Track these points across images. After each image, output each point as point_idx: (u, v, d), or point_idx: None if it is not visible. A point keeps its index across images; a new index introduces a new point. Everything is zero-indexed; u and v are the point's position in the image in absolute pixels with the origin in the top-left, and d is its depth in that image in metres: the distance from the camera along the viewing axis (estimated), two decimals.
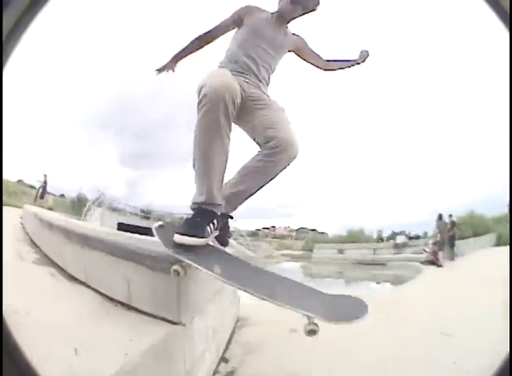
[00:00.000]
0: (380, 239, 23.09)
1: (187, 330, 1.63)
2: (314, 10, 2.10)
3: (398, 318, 4.14)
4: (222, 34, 2.15)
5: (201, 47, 2.15)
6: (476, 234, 16.91)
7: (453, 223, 13.56)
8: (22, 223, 4.95)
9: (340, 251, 19.31)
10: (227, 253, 1.77)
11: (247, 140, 1.99)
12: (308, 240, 26.21)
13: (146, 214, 22.44)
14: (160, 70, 2.20)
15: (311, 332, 1.29)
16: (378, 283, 11.03)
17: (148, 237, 2.14)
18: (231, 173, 1.91)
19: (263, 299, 1.34)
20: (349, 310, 1.41)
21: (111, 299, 1.76)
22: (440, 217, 13.17)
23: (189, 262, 1.38)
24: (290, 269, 15.64)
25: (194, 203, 1.67)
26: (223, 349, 2.78)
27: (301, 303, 1.36)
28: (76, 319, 1.36)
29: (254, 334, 3.42)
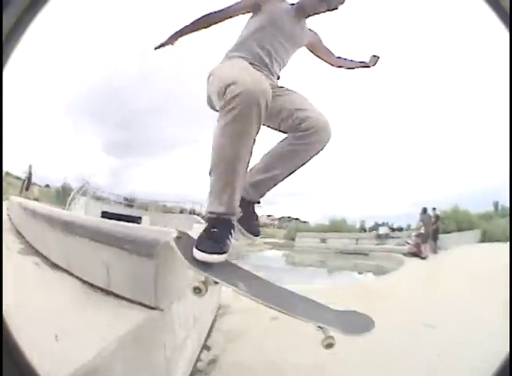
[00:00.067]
0: (363, 229, 23.55)
1: (166, 316, 1.62)
2: (336, 9, 2.00)
3: (380, 308, 4.23)
4: (234, 15, 2.01)
5: (208, 26, 2.00)
6: (460, 229, 17.43)
7: (437, 217, 13.92)
8: (8, 215, 4.96)
9: (323, 240, 19.65)
10: (241, 267, 1.70)
11: None
12: (291, 228, 26.63)
13: (130, 202, 22.62)
14: (159, 47, 2.05)
15: (329, 345, 1.37)
16: (360, 273, 11.25)
17: (130, 224, 2.12)
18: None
19: (284, 313, 1.40)
20: (359, 324, 1.54)
21: (92, 285, 1.74)
22: (425, 210, 13.49)
23: (214, 278, 1.37)
24: (273, 258, 15.81)
25: (212, 212, 1.49)
26: (205, 337, 2.79)
27: (319, 317, 1.46)
28: (57, 306, 1.33)
29: (235, 321, 3.47)
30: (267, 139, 1.84)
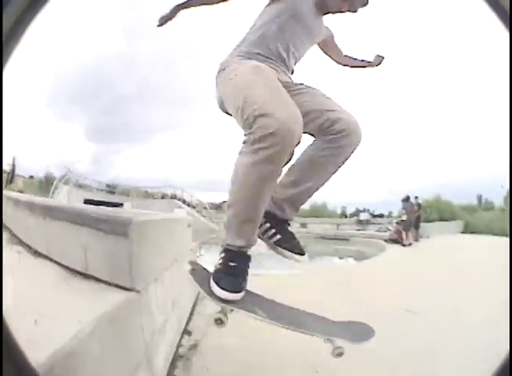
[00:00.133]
0: (344, 215, 23.96)
1: (142, 298, 1.61)
2: (355, 11, 1.87)
3: (361, 293, 4.32)
4: None
5: (214, 3, 1.81)
6: (442, 219, 17.94)
7: (419, 205, 14.22)
8: None
9: (303, 225, 19.86)
10: (253, 292, 1.65)
11: None
12: None
13: (112, 188, 22.70)
14: (161, 23, 1.83)
15: (339, 354, 1.47)
16: (341, 258, 11.43)
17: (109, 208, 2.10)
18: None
19: (302, 333, 1.49)
20: (361, 332, 1.64)
21: (71, 270, 1.72)
22: (407, 198, 13.73)
23: (234, 308, 1.40)
24: None
25: (230, 245, 1.45)
26: (185, 322, 2.80)
27: (328, 331, 1.56)
28: (37, 292, 1.31)
29: (216, 305, 3.42)
30: None
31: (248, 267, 1.47)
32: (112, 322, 1.27)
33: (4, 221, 3.67)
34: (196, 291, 3.73)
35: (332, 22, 1.98)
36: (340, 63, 2.17)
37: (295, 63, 1.87)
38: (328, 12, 1.89)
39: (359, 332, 1.65)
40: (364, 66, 2.18)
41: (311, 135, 1.67)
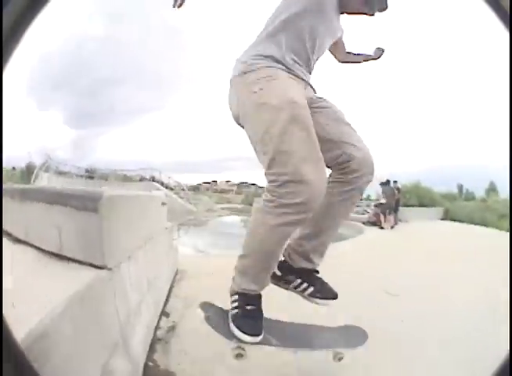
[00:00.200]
0: None
1: (115, 276, 1.59)
2: (372, 15, 1.77)
3: (339, 274, 4.39)
4: None
5: None
6: (421, 204, 18.34)
7: (398, 189, 14.48)
8: None
9: None
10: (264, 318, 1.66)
11: None
12: (249, 193, 27.11)
13: (91, 174, 22.63)
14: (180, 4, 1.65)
15: (340, 358, 1.61)
16: None
17: None
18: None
19: (308, 350, 1.61)
20: (357, 336, 1.79)
21: (48, 252, 1.69)
22: (387, 182, 13.95)
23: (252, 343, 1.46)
24: (232, 223, 15.94)
25: (246, 289, 1.51)
26: (163, 303, 2.79)
27: (330, 342, 1.70)
28: (15, 276, 1.28)
29: (193, 286, 3.49)
30: None
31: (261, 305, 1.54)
32: (84, 301, 1.25)
33: None
34: (173, 271, 3.75)
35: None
36: (342, 61, 2.08)
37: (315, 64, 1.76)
38: (344, 12, 1.77)
39: (355, 336, 1.79)
40: (365, 61, 2.08)
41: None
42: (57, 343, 0.99)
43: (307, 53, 1.63)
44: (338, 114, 1.68)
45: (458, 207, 18.89)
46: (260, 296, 1.53)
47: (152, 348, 2.06)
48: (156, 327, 2.35)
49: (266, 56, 1.54)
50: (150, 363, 1.92)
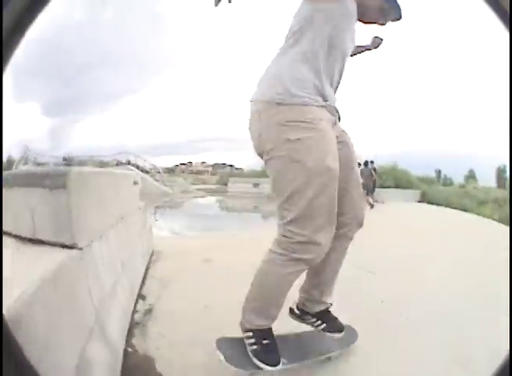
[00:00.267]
0: None
1: (86, 256, 1.57)
2: (383, 25, 1.72)
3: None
4: None
5: None
6: (398, 186, 18.66)
7: (374, 170, 14.66)
8: None
9: (255, 185, 20.09)
10: None
11: None
12: (223, 174, 27.25)
13: (68, 162, 23.47)
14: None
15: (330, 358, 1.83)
16: None
17: None
18: None
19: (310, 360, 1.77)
20: (349, 335, 1.93)
21: (23, 238, 1.65)
22: (366, 163, 14.09)
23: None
24: (207, 204, 15.91)
25: (259, 326, 1.59)
26: (139, 285, 2.76)
27: (329, 346, 1.86)
28: None
29: (168, 267, 3.49)
30: None
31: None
32: (56, 282, 1.20)
33: None
34: (149, 252, 3.68)
35: None
36: None
37: None
38: (361, 21, 1.69)
39: (347, 335, 1.90)
40: (361, 52, 2.00)
41: None
42: (29, 328, 0.95)
43: (338, 75, 1.60)
44: (352, 157, 1.69)
45: (436, 190, 19.34)
46: (271, 328, 1.62)
47: (130, 333, 2.03)
48: (134, 311, 2.32)
49: (306, 87, 1.45)
50: (129, 349, 1.89)
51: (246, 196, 18.21)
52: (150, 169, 22.34)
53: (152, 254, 3.85)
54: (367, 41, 1.99)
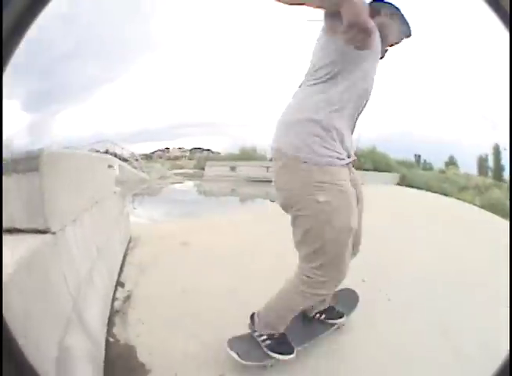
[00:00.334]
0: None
1: (60, 241, 1.53)
2: (395, 44, 1.69)
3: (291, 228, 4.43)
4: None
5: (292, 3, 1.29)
6: (376, 169, 18.78)
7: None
8: None
9: (232, 169, 20.01)
10: None
11: None
12: (200, 158, 27.08)
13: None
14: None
15: (341, 326, 2.04)
16: (273, 201, 11.46)
17: None
18: None
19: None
20: (350, 298, 2.17)
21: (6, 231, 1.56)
22: None
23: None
24: (185, 189, 15.76)
25: (274, 331, 1.73)
26: (117, 272, 2.72)
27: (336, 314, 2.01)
28: None
29: (146, 252, 3.46)
30: None
31: None
32: (30, 268, 1.17)
33: None
34: (126, 239, 3.62)
35: None
36: None
37: None
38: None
39: (350, 299, 2.15)
40: None
41: None
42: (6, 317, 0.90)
43: (357, 117, 1.59)
44: (360, 196, 1.76)
45: (415, 174, 19.51)
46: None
47: (110, 322, 2.01)
48: (113, 299, 2.29)
49: (331, 143, 1.46)
50: (111, 339, 1.87)
51: (223, 179, 18.12)
52: (128, 157, 22.00)
53: (130, 241, 3.81)
54: None
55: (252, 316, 1.79)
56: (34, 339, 1.03)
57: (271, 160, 1.56)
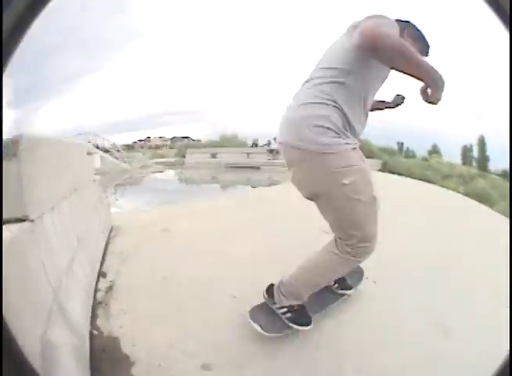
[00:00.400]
0: (255, 145, 24.46)
1: (38, 228, 1.50)
2: None
3: (277, 214, 4.52)
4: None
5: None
6: None
7: None
8: None
9: (213, 156, 19.95)
10: None
11: None
12: (181, 146, 26.90)
13: None
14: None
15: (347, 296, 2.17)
16: (254, 187, 11.44)
17: None
18: None
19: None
20: (357, 272, 2.26)
21: None
22: None
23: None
24: (167, 178, 15.63)
25: (295, 304, 1.82)
26: (99, 263, 2.68)
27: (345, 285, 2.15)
28: None
29: (128, 241, 3.42)
30: None
31: None
32: (7, 257, 1.12)
33: None
34: (107, 228, 3.58)
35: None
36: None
37: None
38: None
39: (357, 272, 2.25)
40: (383, 109, 2.16)
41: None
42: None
43: (366, 115, 1.76)
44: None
45: (398, 161, 19.50)
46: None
47: (94, 314, 1.99)
48: (96, 290, 2.26)
49: (346, 134, 1.62)
50: (95, 332, 1.85)
51: (204, 166, 18.01)
52: (110, 148, 21.64)
53: (111, 230, 3.76)
54: (389, 98, 2.12)
55: (268, 290, 1.89)
56: (16, 330, 0.98)
57: (271, 151, 1.68)
